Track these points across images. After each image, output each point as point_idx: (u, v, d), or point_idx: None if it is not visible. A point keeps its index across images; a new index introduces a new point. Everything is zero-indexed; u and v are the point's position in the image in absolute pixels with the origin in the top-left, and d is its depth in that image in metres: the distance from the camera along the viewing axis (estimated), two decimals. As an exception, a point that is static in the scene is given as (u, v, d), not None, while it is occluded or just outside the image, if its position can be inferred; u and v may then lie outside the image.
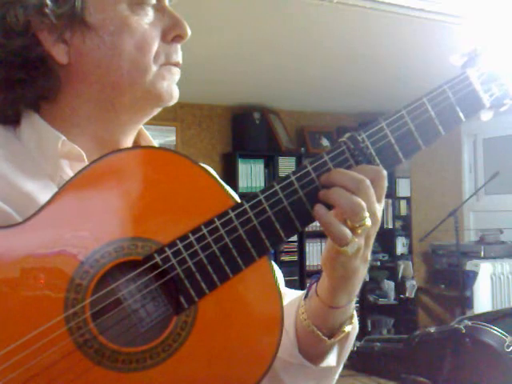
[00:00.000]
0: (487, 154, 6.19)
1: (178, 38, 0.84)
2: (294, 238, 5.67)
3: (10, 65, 0.78)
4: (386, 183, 0.74)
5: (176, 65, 0.85)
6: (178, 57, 0.85)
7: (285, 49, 4.04)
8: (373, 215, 0.72)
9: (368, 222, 0.70)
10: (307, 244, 5.76)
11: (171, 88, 0.84)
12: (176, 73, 0.85)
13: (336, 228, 0.71)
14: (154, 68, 0.81)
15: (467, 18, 3.28)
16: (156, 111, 0.86)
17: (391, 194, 6.19)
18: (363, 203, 0.70)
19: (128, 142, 0.87)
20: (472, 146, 6.32)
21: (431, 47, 3.86)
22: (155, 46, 0.81)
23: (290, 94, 5.41)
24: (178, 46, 0.85)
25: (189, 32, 0.84)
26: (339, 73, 4.72)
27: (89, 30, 0.78)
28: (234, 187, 5.30)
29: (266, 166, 5.69)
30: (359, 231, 0.71)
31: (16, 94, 0.80)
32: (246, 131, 5.59)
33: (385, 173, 0.73)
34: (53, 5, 0.76)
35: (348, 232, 0.70)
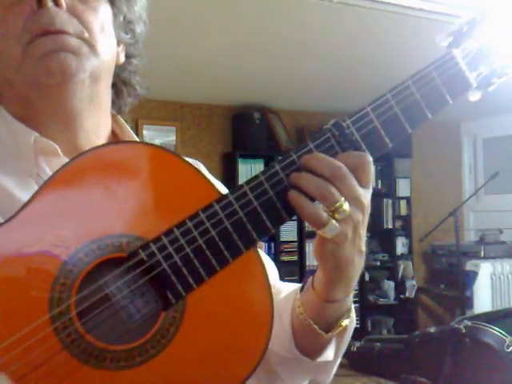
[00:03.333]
0: (487, 154, 6.19)
1: (39, 2, 0.75)
2: (294, 237, 5.67)
3: None
4: (371, 168, 0.72)
5: (44, 33, 0.76)
6: (43, 23, 0.75)
7: (285, 49, 4.04)
8: (355, 200, 0.70)
9: (345, 206, 0.69)
10: (307, 244, 5.75)
11: (43, 60, 0.76)
12: (48, 41, 0.76)
13: (307, 210, 0.70)
14: (19, 49, 0.76)
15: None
16: (69, 90, 0.79)
17: (391, 193, 6.18)
18: (331, 188, 0.69)
19: (91, 134, 0.84)
20: (472, 146, 6.32)
21: (431, 47, 3.84)
22: (16, 26, 0.76)
23: (290, 93, 5.41)
24: (45, 12, 0.76)
25: None
26: (339, 73, 4.72)
27: None
28: (234, 187, 5.29)
29: (266, 165, 5.58)
30: (337, 216, 0.69)
31: None
32: (246, 131, 5.59)
33: (369, 158, 0.72)
34: None
35: (321, 214, 0.69)
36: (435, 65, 0.76)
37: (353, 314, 0.82)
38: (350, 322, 0.82)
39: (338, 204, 0.69)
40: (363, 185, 0.72)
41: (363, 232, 0.74)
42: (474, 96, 0.78)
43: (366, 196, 0.72)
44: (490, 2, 0.77)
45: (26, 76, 0.77)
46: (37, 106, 0.80)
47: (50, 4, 0.76)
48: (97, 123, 0.85)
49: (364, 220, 0.73)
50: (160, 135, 5.36)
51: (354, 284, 0.78)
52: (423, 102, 0.75)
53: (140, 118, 5.05)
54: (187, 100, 5.49)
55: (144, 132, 5.09)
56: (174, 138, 5.51)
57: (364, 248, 0.76)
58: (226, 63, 4.36)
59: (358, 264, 0.76)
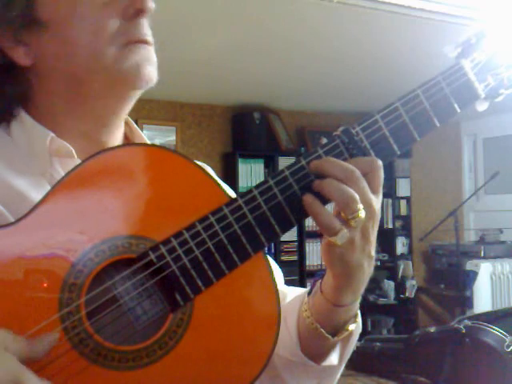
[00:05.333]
0: (487, 154, 6.19)
1: (139, 12, 0.79)
2: (294, 237, 5.67)
3: None
4: (381, 173, 0.73)
5: (140, 42, 0.79)
6: (141, 33, 0.79)
7: (285, 49, 4.04)
8: (368, 207, 0.71)
9: (362, 213, 0.70)
10: (307, 244, 5.76)
11: (140, 68, 0.78)
12: (143, 51, 0.79)
13: (322, 217, 0.70)
14: (113, 50, 0.77)
15: (467, 18, 3.28)
16: (132, 96, 0.82)
17: (391, 193, 6.18)
18: (356, 195, 0.69)
19: (114, 136, 0.85)
20: (472, 146, 6.32)
21: (431, 47, 3.85)
22: (111, 26, 0.77)
23: (290, 93, 5.41)
24: (142, 22, 0.79)
25: (149, 4, 0.79)
26: (339, 73, 4.72)
27: (42, 26, 0.77)
28: (234, 187, 5.30)
29: (266, 166, 5.69)
30: (352, 223, 0.70)
31: None
32: (246, 131, 5.59)
33: (380, 163, 0.73)
34: (3, 9, 0.75)
35: (335, 221, 0.70)
36: (444, 75, 0.77)
37: (359, 319, 0.82)
38: (356, 327, 0.82)
39: (356, 212, 0.69)
40: (373, 190, 0.72)
41: (373, 238, 0.75)
42: (481, 106, 0.80)
43: (376, 202, 0.73)
44: (496, 12, 0.78)
45: (111, 76, 0.78)
46: (86, 105, 0.81)
47: (147, 16, 0.80)
48: (120, 127, 0.87)
49: (374, 226, 0.74)
50: (160, 135, 5.36)
51: (363, 289, 0.78)
52: (432, 110, 0.76)
53: (140, 118, 5.05)
54: (187, 100, 5.49)
55: (144, 132, 5.10)
56: (174, 137, 5.51)
57: (374, 253, 0.76)
58: (226, 63, 4.36)
59: (367, 269, 0.76)
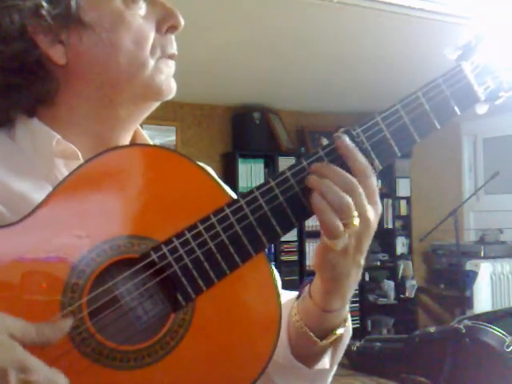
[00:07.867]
0: (487, 154, 6.19)
1: (172, 28, 0.83)
2: (294, 237, 5.67)
3: (7, 71, 0.77)
4: (371, 182, 0.73)
5: (171, 57, 0.84)
6: (173, 48, 0.84)
7: (285, 49, 4.04)
8: (362, 216, 0.71)
9: (355, 221, 0.70)
10: (307, 244, 5.76)
11: (169, 81, 0.83)
12: (172, 65, 0.84)
13: (328, 216, 0.70)
14: (152, 62, 0.80)
15: (467, 18, 3.28)
16: (155, 106, 0.86)
17: (391, 193, 6.19)
18: (350, 201, 0.70)
19: (127, 139, 0.87)
20: (472, 146, 6.32)
21: (431, 47, 3.85)
22: (151, 39, 0.80)
23: (290, 94, 5.41)
24: (173, 37, 0.84)
25: (182, 21, 0.83)
26: (339, 73, 4.72)
27: (85, 28, 0.77)
28: (234, 187, 5.30)
29: (266, 166, 5.69)
30: (346, 229, 0.70)
31: (11, 101, 0.79)
32: (246, 131, 5.59)
33: (369, 173, 0.73)
34: (48, 6, 0.75)
35: (339, 224, 0.70)
36: (444, 77, 0.77)
37: (349, 323, 0.83)
38: (346, 332, 0.83)
39: (351, 219, 0.70)
40: (369, 200, 0.72)
41: (365, 248, 0.75)
42: (481, 109, 0.80)
43: (371, 212, 0.73)
44: (495, 15, 0.78)
45: (147, 87, 0.81)
46: (111, 110, 0.82)
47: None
48: (133, 131, 0.89)
49: (368, 237, 0.74)
50: (160, 135, 5.37)
51: (351, 295, 0.79)
52: (432, 112, 0.76)
53: (140, 118, 5.05)
54: (187, 100, 5.48)
55: (144, 132, 5.10)
56: (174, 137, 5.51)
57: (363, 262, 0.77)
58: (226, 63, 4.37)
59: (355, 277, 0.77)
